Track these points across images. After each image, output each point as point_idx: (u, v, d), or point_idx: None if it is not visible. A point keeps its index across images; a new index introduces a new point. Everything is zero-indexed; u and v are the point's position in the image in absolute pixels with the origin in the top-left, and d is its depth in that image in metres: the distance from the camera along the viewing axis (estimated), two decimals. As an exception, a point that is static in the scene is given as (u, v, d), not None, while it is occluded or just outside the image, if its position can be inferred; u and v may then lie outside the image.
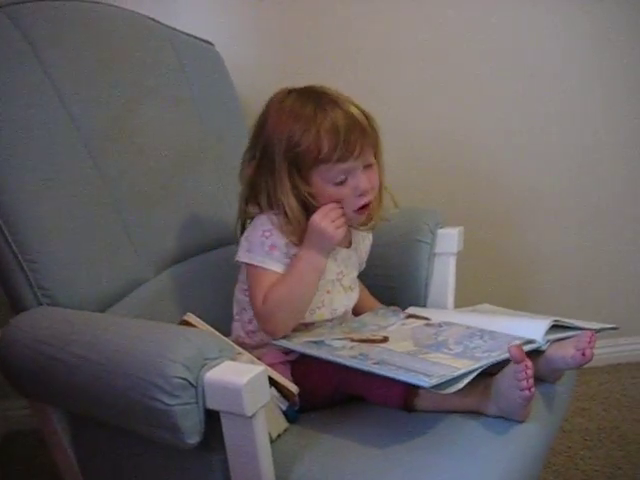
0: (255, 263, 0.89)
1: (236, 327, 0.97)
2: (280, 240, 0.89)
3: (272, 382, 0.79)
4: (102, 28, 0.99)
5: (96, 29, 0.97)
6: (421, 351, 0.82)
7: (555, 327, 0.87)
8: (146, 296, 0.94)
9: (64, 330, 0.75)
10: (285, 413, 0.80)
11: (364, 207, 0.91)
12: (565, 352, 0.82)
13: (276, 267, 0.89)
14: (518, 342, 0.81)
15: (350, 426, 0.81)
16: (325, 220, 0.88)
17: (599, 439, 1.44)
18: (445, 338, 0.86)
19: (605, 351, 1.73)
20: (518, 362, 0.74)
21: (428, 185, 1.53)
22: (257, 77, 1.43)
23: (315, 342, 0.87)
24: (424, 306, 1.09)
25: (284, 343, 0.89)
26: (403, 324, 0.95)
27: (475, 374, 0.75)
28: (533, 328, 0.86)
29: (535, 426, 0.78)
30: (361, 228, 0.98)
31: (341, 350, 0.83)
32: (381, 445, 0.75)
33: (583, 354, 0.80)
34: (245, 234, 0.93)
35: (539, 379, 0.84)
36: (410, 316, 0.99)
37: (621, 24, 1.57)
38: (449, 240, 1.08)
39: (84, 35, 0.95)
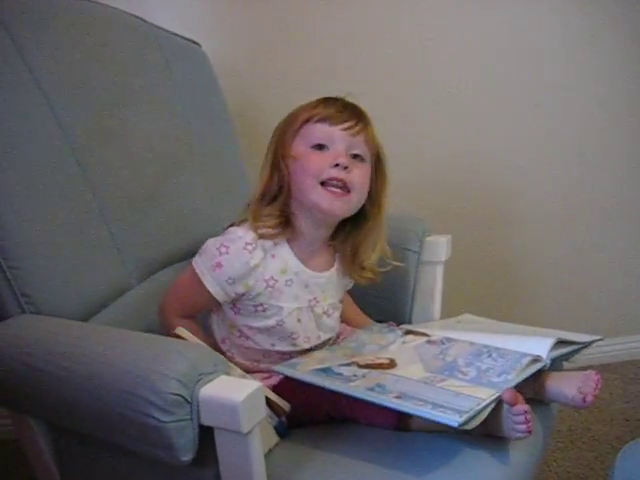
0: (196, 270, 0.85)
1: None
2: (234, 263, 0.83)
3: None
4: (88, 26, 0.95)
5: (81, 27, 0.94)
6: (436, 377, 0.78)
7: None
8: (131, 303, 0.92)
9: (49, 340, 0.72)
10: (275, 428, 0.79)
11: (331, 184, 0.84)
12: (567, 390, 0.81)
13: (210, 285, 0.84)
14: (527, 360, 0.80)
15: (341, 443, 0.79)
16: None
17: (571, 440, 1.47)
18: (453, 358, 0.84)
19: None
20: (512, 405, 0.72)
21: (415, 193, 1.52)
22: (244, 79, 1.42)
23: (323, 370, 0.82)
24: (410, 314, 1.08)
25: (289, 372, 0.82)
26: (403, 342, 0.92)
27: (495, 402, 0.72)
28: (536, 346, 0.84)
29: (528, 444, 0.78)
30: (355, 277, 0.95)
31: (354, 380, 0.78)
32: (372, 462, 0.74)
33: (584, 400, 0.79)
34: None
35: (533, 400, 0.84)
36: (408, 332, 0.96)
37: (623, 24, 1.59)
38: (437, 248, 1.08)
39: (69, 33, 0.91)
